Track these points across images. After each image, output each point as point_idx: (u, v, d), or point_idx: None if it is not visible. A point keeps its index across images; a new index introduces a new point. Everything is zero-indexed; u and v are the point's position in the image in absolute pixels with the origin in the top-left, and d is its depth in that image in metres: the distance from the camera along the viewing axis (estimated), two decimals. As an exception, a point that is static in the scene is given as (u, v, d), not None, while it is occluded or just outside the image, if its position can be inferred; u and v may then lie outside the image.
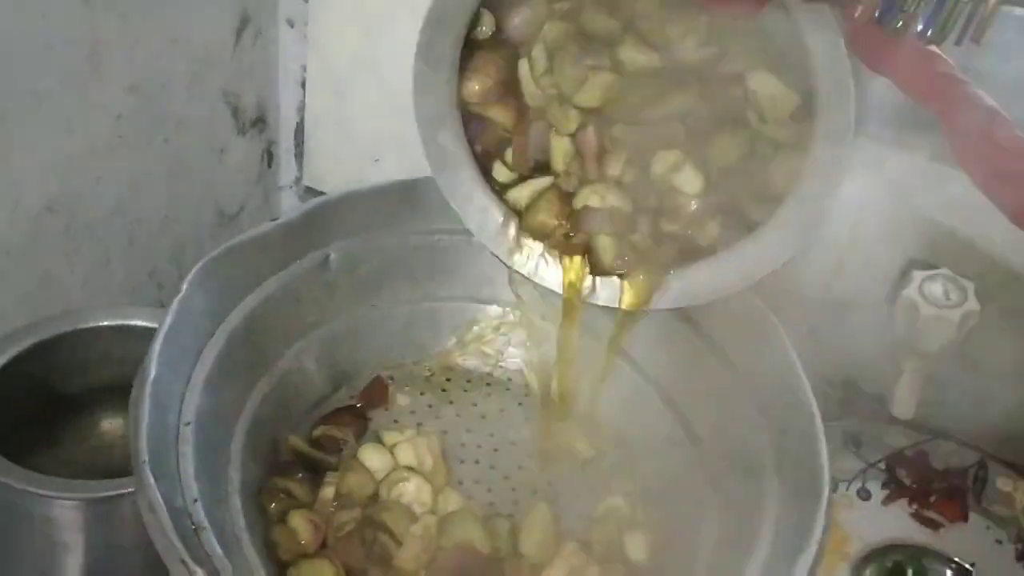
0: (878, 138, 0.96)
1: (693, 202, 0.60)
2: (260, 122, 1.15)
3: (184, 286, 0.69)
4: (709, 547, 0.72)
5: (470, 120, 0.66)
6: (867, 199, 1.02)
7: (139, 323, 0.80)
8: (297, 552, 0.70)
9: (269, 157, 1.27)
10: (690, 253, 0.64)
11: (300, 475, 0.75)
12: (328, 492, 0.74)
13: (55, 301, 0.90)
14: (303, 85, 1.11)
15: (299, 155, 1.27)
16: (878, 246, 1.07)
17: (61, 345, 0.80)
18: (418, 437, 0.79)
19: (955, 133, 0.51)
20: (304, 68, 1.10)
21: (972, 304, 0.95)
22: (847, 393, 1.22)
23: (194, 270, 0.69)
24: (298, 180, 1.30)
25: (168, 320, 0.66)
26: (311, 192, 1.28)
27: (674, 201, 0.60)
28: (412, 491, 0.75)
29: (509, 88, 0.61)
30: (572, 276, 0.67)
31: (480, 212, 0.71)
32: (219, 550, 0.61)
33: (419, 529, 0.72)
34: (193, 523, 0.61)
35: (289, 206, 1.28)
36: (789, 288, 1.18)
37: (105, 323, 0.83)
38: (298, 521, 0.71)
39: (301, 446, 0.77)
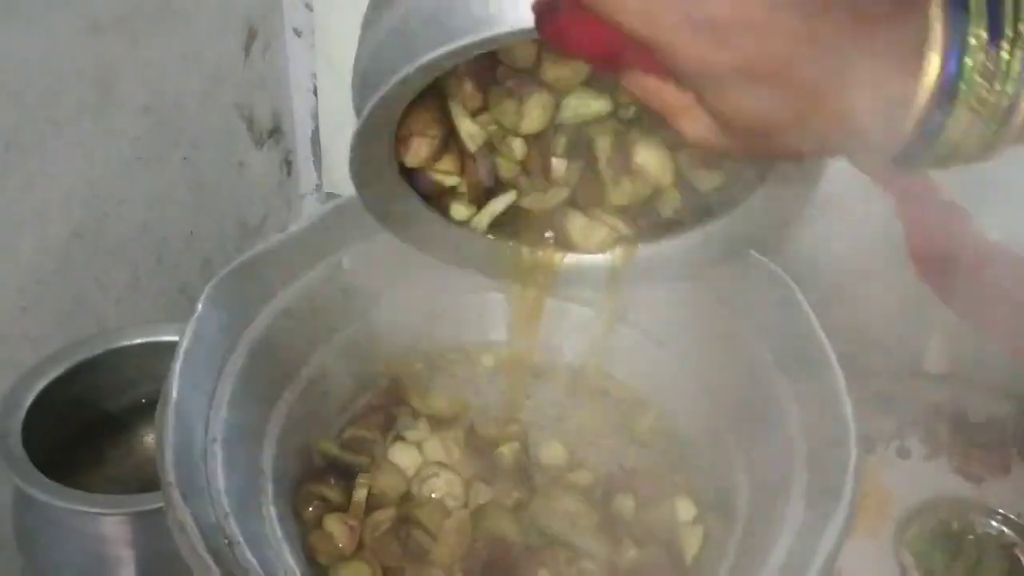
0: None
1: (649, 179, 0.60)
2: (276, 132, 1.16)
3: (199, 305, 0.71)
4: (742, 515, 0.73)
5: (416, 176, 0.66)
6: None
7: (171, 339, 0.82)
8: (335, 555, 0.72)
9: (288, 166, 1.29)
10: (661, 226, 0.66)
11: (332, 480, 0.77)
12: (361, 494, 0.76)
13: (90, 322, 0.92)
14: (315, 93, 1.13)
15: (317, 162, 1.29)
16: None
17: (98, 365, 0.83)
18: (446, 431, 0.81)
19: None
20: (315, 76, 1.12)
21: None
22: (878, 354, 1.21)
23: (208, 288, 0.71)
24: (318, 187, 1.32)
25: (186, 339, 0.68)
26: (332, 197, 1.29)
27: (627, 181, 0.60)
28: (443, 486, 0.77)
29: (449, 135, 0.60)
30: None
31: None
32: (255, 562, 0.63)
33: (453, 523, 0.74)
34: (227, 537, 0.63)
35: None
36: (810, 254, 1.17)
37: (138, 340, 0.85)
38: (333, 524, 0.73)
39: (331, 450, 0.79)
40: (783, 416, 0.72)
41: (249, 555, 0.63)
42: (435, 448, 0.78)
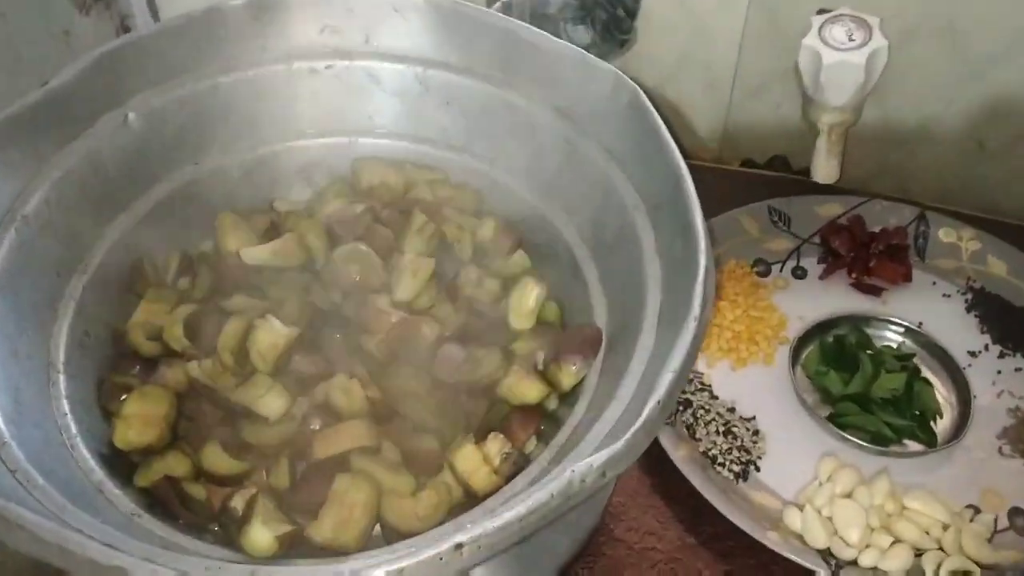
0: None
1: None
2: (103, -2, 1.01)
3: None
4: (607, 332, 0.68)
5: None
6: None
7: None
8: (144, 447, 0.64)
9: (126, 31, 1.14)
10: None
11: (139, 367, 0.67)
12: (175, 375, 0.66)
13: None
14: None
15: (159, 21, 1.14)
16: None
17: None
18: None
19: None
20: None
21: (878, 41, 0.84)
22: (776, 169, 1.13)
23: None
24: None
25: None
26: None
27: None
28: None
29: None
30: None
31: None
32: (22, 457, 0.55)
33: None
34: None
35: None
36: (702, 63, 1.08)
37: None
38: (138, 414, 0.64)
39: (139, 340, 0.69)
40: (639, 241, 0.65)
41: (18, 452, 0.54)
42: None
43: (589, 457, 0.47)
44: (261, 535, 0.57)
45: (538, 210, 0.76)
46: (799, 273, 0.98)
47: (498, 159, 0.78)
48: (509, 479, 0.60)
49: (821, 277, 0.97)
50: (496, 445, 0.62)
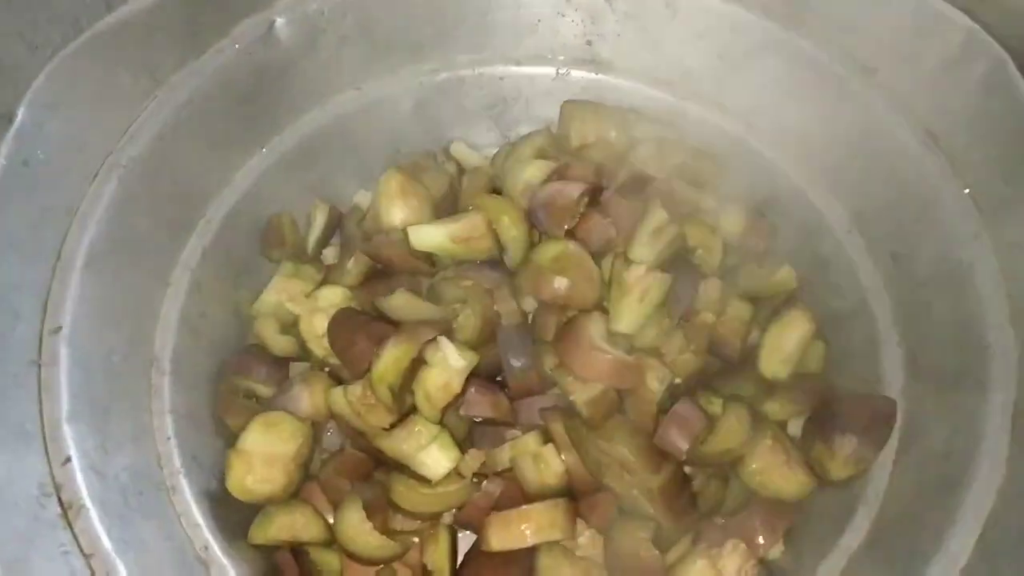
0: None
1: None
2: None
3: (20, 110, 0.43)
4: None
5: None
6: None
7: None
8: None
9: None
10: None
11: (266, 370, 0.51)
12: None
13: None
14: None
15: None
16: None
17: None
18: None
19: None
20: None
21: None
22: None
23: (35, 84, 0.44)
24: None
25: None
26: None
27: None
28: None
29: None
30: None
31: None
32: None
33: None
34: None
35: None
36: None
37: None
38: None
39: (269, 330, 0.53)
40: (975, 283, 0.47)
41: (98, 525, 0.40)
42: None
43: None
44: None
45: (807, 202, 0.56)
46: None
47: (760, 121, 0.58)
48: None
49: None
50: (735, 561, 0.45)
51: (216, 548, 0.45)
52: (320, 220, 0.56)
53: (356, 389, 0.48)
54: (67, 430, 0.42)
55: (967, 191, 0.49)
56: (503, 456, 0.48)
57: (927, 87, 0.51)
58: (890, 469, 0.47)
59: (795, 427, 0.51)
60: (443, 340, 0.47)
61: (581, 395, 0.47)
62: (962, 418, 0.45)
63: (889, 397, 0.49)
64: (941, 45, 0.49)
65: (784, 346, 0.51)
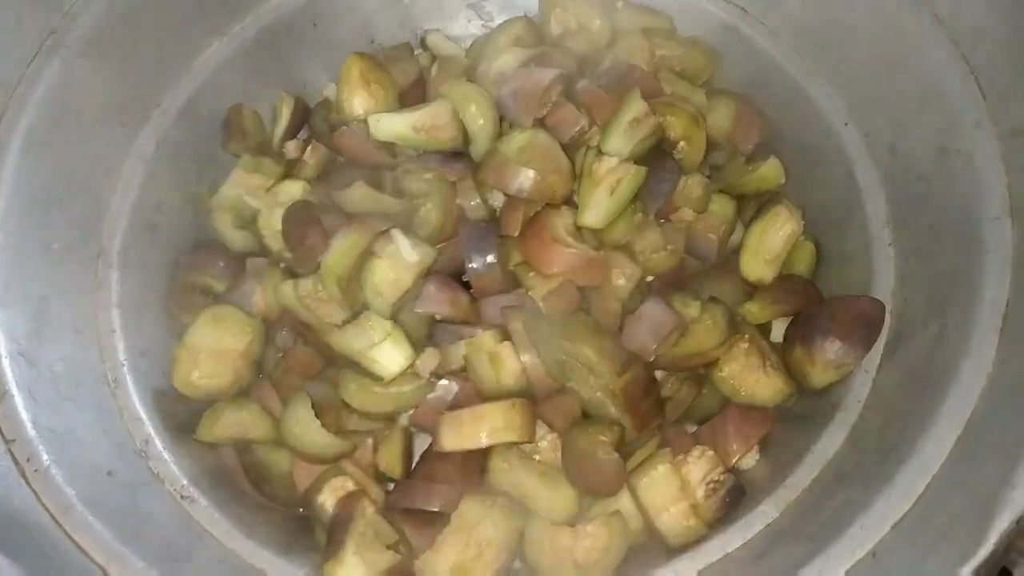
0: None
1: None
2: None
3: None
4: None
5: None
6: None
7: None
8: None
9: None
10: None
11: (222, 264, 0.49)
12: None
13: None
14: None
15: None
16: None
17: None
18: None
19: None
20: None
21: None
22: None
23: None
24: None
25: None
26: None
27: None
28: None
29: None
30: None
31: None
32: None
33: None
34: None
35: None
36: None
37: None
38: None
39: (219, 222, 0.51)
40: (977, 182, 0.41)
41: (23, 412, 0.38)
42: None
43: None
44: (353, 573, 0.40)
45: (803, 93, 0.52)
46: None
47: (754, 8, 0.53)
48: (713, 524, 0.41)
49: None
50: (701, 469, 0.42)
51: (158, 443, 0.44)
52: (286, 113, 0.54)
53: (307, 283, 0.46)
54: (-4, 314, 0.41)
55: (973, 76, 0.45)
56: (457, 354, 0.45)
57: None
58: (873, 375, 0.44)
59: (779, 332, 0.48)
60: (396, 233, 0.45)
61: (540, 289, 0.45)
62: (951, 319, 0.41)
63: (877, 299, 0.45)
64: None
65: (768, 246, 0.48)
